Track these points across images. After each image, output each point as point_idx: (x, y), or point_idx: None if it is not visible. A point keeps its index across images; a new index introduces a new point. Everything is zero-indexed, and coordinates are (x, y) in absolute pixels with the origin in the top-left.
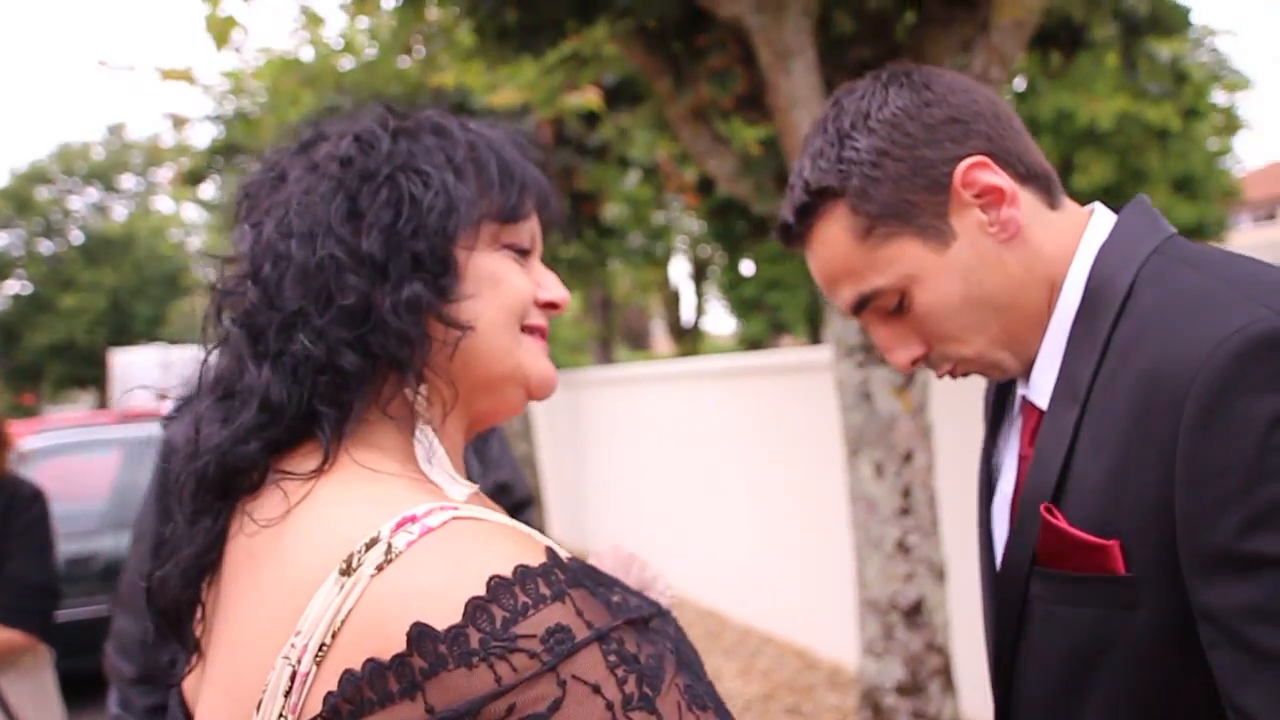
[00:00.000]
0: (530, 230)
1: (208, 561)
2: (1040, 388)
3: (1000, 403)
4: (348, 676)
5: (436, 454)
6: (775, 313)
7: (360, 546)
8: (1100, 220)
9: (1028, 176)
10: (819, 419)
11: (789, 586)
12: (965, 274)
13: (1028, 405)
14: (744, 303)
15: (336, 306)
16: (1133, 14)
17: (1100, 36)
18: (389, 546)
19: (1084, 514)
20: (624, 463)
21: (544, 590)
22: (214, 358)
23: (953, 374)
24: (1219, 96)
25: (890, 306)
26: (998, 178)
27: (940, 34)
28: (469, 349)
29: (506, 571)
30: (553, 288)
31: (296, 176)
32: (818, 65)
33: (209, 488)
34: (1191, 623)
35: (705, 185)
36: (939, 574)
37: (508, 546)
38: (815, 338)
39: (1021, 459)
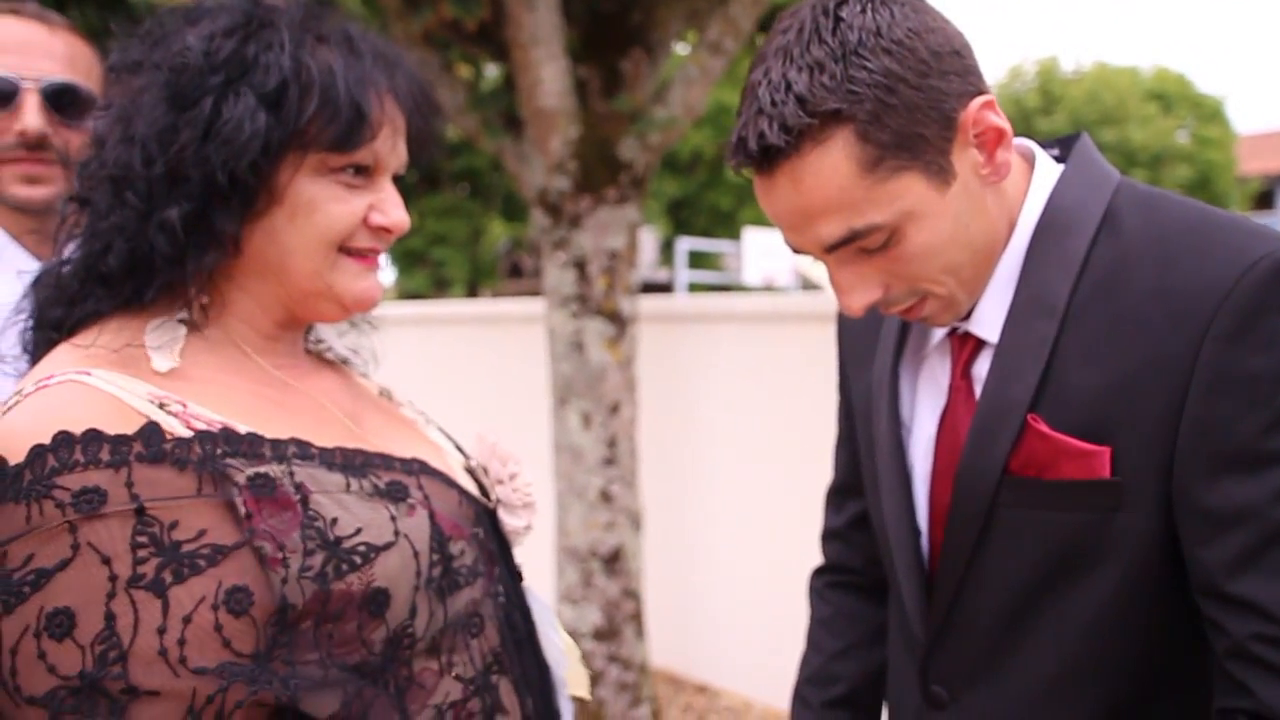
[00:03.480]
0: (370, 151)
1: None
2: (986, 318)
3: (867, 339)
4: None
5: (167, 339)
6: (439, 268)
7: (14, 395)
8: (1044, 159)
9: None
10: (525, 370)
11: None
12: (957, 215)
13: (959, 338)
14: (407, 255)
15: (112, 218)
16: None
17: None
18: (20, 393)
19: (1070, 421)
20: None
21: (103, 455)
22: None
23: (908, 313)
24: None
25: (876, 245)
26: (1000, 119)
27: (673, 0)
28: (265, 266)
29: (76, 430)
30: (389, 212)
31: (154, 63)
32: (560, 7)
33: (26, 346)
34: (1171, 525)
35: None
36: (637, 522)
37: (96, 411)
38: (473, 296)
39: (954, 389)
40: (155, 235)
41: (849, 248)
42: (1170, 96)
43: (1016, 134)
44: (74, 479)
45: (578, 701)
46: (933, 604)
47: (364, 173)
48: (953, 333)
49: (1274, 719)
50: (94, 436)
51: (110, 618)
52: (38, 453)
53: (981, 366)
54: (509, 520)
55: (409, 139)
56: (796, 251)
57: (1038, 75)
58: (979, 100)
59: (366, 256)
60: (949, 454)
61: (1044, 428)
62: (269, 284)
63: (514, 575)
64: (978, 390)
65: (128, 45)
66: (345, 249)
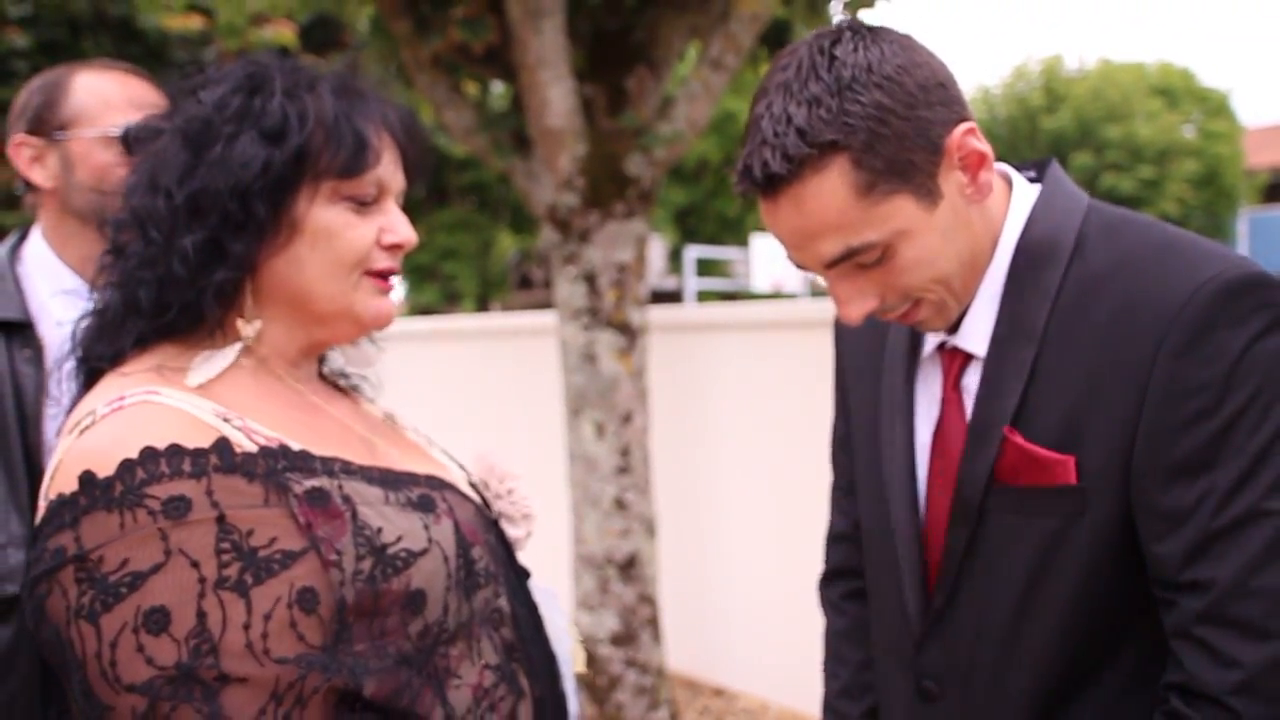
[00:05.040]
0: (375, 179)
1: None
2: (972, 334)
3: (871, 350)
4: (49, 505)
5: (211, 360)
6: (449, 282)
7: (86, 417)
8: (1021, 182)
9: None
10: (537, 382)
11: None
12: (944, 232)
13: (949, 353)
14: (417, 270)
15: (141, 255)
16: (830, 23)
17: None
18: (93, 414)
19: (1044, 435)
20: None
21: (185, 466)
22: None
23: (904, 318)
24: None
25: (872, 260)
26: (981, 144)
27: (675, 18)
28: (292, 294)
29: (160, 445)
30: (398, 230)
31: (172, 130)
32: (565, 28)
33: (79, 378)
34: (1130, 524)
35: None
36: (651, 529)
37: (173, 428)
38: (484, 308)
39: (945, 401)
40: (173, 261)
41: (847, 263)
42: (1175, 91)
43: (1022, 134)
44: (162, 489)
45: (584, 686)
46: (930, 603)
47: (371, 199)
48: (941, 347)
49: (1200, 693)
50: (176, 450)
51: (202, 615)
52: (127, 466)
53: (969, 379)
54: (510, 530)
55: (404, 166)
56: (800, 267)
57: (1042, 74)
58: (962, 127)
59: (385, 279)
60: (942, 461)
61: (1019, 439)
62: (294, 311)
63: (519, 575)
64: (967, 402)
65: (148, 119)
66: (365, 271)
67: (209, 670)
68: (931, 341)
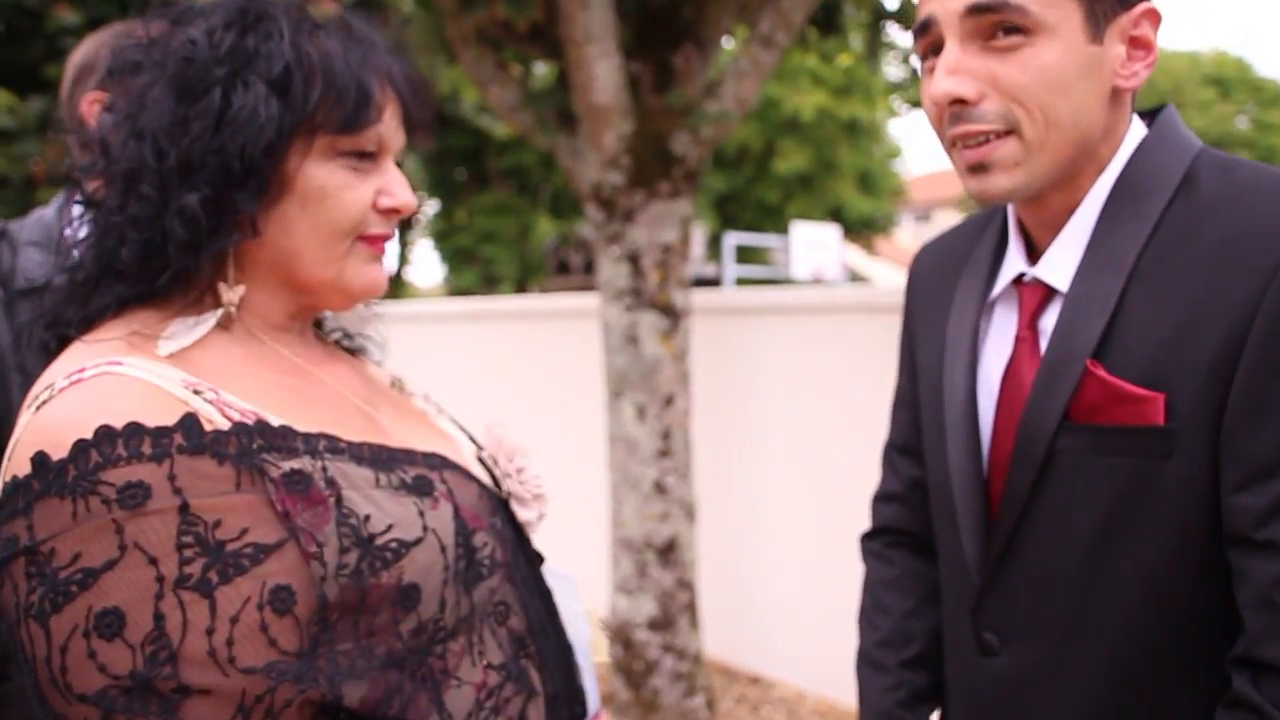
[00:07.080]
0: (375, 136)
1: None
2: (1056, 267)
3: (941, 298)
4: (4, 487)
5: (192, 328)
6: (488, 265)
7: (45, 390)
8: (1138, 123)
9: None
10: (578, 363)
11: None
12: (1080, 76)
13: (1029, 287)
14: (458, 253)
15: (126, 211)
16: (881, 4)
17: (851, 20)
18: (51, 388)
19: (1131, 370)
20: None
21: (145, 448)
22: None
23: (978, 150)
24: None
25: (1005, 25)
26: (1155, 38)
27: None
28: (278, 255)
29: (117, 424)
30: (396, 193)
31: (154, 62)
32: (612, 4)
33: (45, 343)
34: (1217, 472)
35: None
36: (690, 514)
37: (134, 404)
38: (521, 292)
39: (1019, 340)
40: (172, 223)
41: (984, 27)
42: (1229, 81)
43: None
44: (118, 474)
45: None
46: (988, 551)
47: (369, 157)
48: (1019, 281)
49: (1251, 662)
50: (135, 430)
51: (159, 618)
52: (81, 447)
53: (1048, 320)
54: (520, 512)
55: (405, 123)
56: (929, 22)
57: None
58: (1149, 5)
59: (378, 243)
60: (1012, 403)
61: (1102, 373)
62: (279, 274)
63: (530, 560)
64: (1043, 344)
65: (123, 50)
66: (359, 236)
67: (167, 681)
68: (1007, 276)
